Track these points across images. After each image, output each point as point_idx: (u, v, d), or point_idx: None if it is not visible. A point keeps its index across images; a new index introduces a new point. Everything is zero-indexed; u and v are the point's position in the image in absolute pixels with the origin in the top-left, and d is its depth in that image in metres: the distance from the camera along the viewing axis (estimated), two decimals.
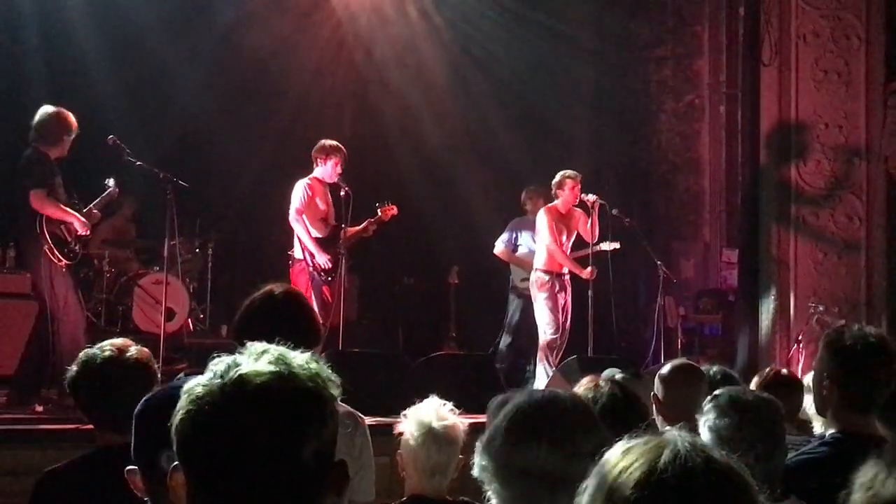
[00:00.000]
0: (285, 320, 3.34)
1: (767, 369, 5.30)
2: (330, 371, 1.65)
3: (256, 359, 1.57)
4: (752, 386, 5.13)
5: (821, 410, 3.58)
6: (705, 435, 3.23)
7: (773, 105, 11.59)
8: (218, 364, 1.58)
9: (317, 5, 12.29)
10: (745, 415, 3.19)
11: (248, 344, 1.63)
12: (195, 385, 1.57)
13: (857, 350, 3.42)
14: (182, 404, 1.55)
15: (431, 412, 3.81)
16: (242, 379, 1.53)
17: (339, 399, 1.64)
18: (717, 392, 3.40)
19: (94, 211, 8.01)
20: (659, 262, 10.80)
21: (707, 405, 3.30)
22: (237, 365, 1.56)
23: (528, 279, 10.56)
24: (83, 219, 7.74)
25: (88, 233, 7.94)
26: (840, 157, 11.35)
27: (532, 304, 10.51)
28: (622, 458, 1.53)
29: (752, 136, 12.00)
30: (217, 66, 11.77)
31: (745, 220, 12.20)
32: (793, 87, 11.41)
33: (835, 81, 11.30)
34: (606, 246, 10.23)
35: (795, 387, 5.11)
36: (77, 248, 7.82)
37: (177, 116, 11.39)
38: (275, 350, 1.60)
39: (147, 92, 11.19)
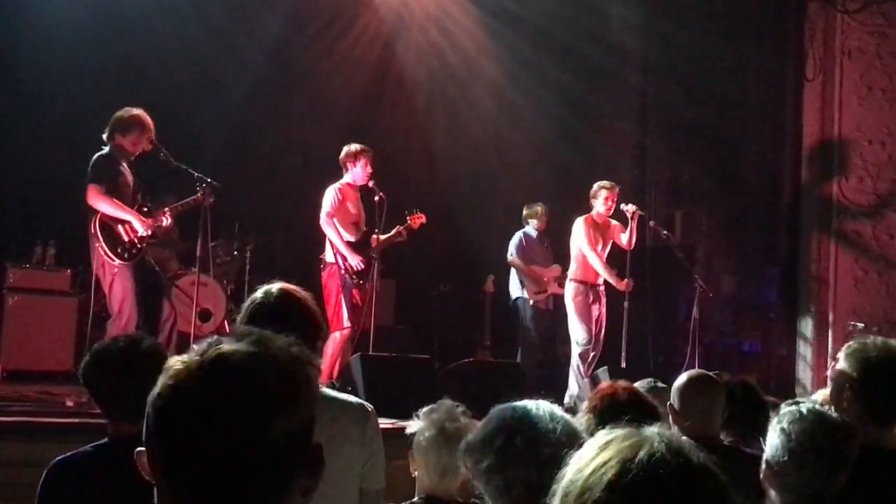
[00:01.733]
0: (282, 316, 3.41)
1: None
2: (311, 355, 1.66)
3: (237, 340, 1.59)
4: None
5: None
6: (774, 435, 3.15)
7: (815, 121, 11.53)
8: (201, 344, 1.61)
9: (362, 16, 12.34)
10: (822, 429, 3.10)
11: (237, 327, 1.66)
12: (175, 362, 1.59)
13: (882, 362, 3.33)
14: (161, 380, 1.58)
15: (444, 413, 3.82)
16: (218, 357, 1.56)
17: (317, 383, 1.65)
18: (800, 399, 3.34)
19: (165, 216, 7.90)
20: (696, 276, 10.72)
21: (786, 407, 3.23)
22: (217, 344, 1.58)
23: (541, 292, 10.79)
24: (143, 218, 7.69)
25: (149, 233, 7.79)
26: (883, 174, 11.24)
27: (545, 314, 10.78)
28: (598, 454, 1.52)
29: (794, 151, 11.93)
30: (262, 75, 11.86)
31: (787, 237, 12.12)
32: (836, 103, 11.34)
33: (879, 98, 11.22)
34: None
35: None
36: (134, 248, 7.68)
37: (221, 122, 11.49)
38: (257, 332, 1.62)
39: (192, 98, 11.28)
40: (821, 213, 11.57)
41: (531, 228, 11.09)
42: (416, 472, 3.90)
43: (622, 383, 3.61)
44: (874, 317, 11.10)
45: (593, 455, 1.52)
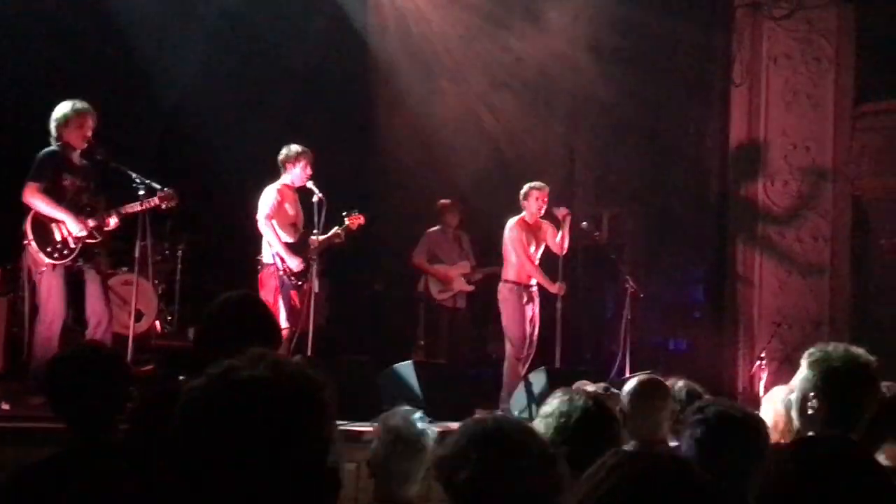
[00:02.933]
0: (243, 326, 3.39)
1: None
2: (324, 378, 1.68)
3: (253, 364, 1.60)
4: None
5: (802, 429, 3.57)
6: (688, 446, 3.23)
7: (742, 124, 11.75)
8: (215, 368, 1.61)
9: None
10: (732, 430, 3.19)
11: (249, 350, 1.66)
12: (192, 388, 1.60)
13: (848, 370, 3.37)
14: (179, 407, 1.58)
15: (400, 419, 3.84)
16: (238, 383, 1.56)
17: (333, 406, 1.68)
18: (702, 404, 3.40)
19: (112, 217, 7.74)
20: (626, 277, 10.86)
21: (693, 417, 3.29)
22: (234, 369, 1.59)
23: (444, 290, 11.15)
24: (77, 218, 7.50)
25: (86, 234, 7.57)
26: (807, 177, 11.49)
27: (455, 314, 11.14)
28: (608, 475, 1.56)
29: (721, 154, 12.14)
30: (203, 70, 11.69)
31: (713, 238, 12.33)
32: (762, 108, 11.56)
33: (804, 103, 11.46)
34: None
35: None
36: (66, 249, 7.47)
37: (154, 118, 11.34)
38: (271, 355, 1.64)
39: (130, 95, 11.11)
40: (747, 214, 11.79)
41: (440, 225, 11.25)
42: (372, 478, 3.92)
43: (583, 389, 3.67)
44: (798, 317, 11.33)
45: (604, 476, 1.56)
